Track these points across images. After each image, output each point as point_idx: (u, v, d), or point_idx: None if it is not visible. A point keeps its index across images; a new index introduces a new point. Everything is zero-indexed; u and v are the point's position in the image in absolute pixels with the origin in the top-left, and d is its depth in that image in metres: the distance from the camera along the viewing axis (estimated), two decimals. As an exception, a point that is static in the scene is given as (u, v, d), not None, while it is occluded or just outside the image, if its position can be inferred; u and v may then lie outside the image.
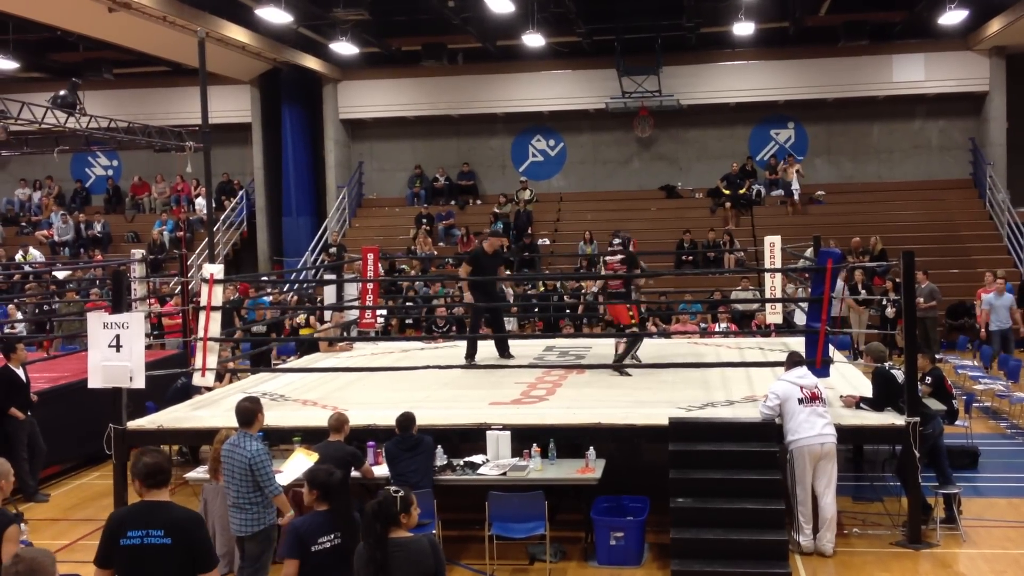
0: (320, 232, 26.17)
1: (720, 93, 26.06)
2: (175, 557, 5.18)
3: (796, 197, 25.04)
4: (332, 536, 6.10)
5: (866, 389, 10.25)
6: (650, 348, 14.11)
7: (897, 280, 17.09)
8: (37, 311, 20.51)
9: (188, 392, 12.08)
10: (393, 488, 5.65)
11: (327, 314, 17.05)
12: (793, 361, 9.70)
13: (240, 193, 27.31)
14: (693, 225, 24.20)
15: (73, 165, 29.31)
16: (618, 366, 12.16)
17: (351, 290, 16.47)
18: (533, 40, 22.87)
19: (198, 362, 11.12)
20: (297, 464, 8.80)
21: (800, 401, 9.20)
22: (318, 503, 6.23)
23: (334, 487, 6.22)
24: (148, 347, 11.94)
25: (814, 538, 9.17)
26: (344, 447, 8.95)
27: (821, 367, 10.27)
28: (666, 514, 8.99)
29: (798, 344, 11.68)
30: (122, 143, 20.33)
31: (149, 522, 5.22)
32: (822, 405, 9.27)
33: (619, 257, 12.48)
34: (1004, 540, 9.49)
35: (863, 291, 19.31)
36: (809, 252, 16.20)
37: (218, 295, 11.27)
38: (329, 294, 17.27)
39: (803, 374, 9.51)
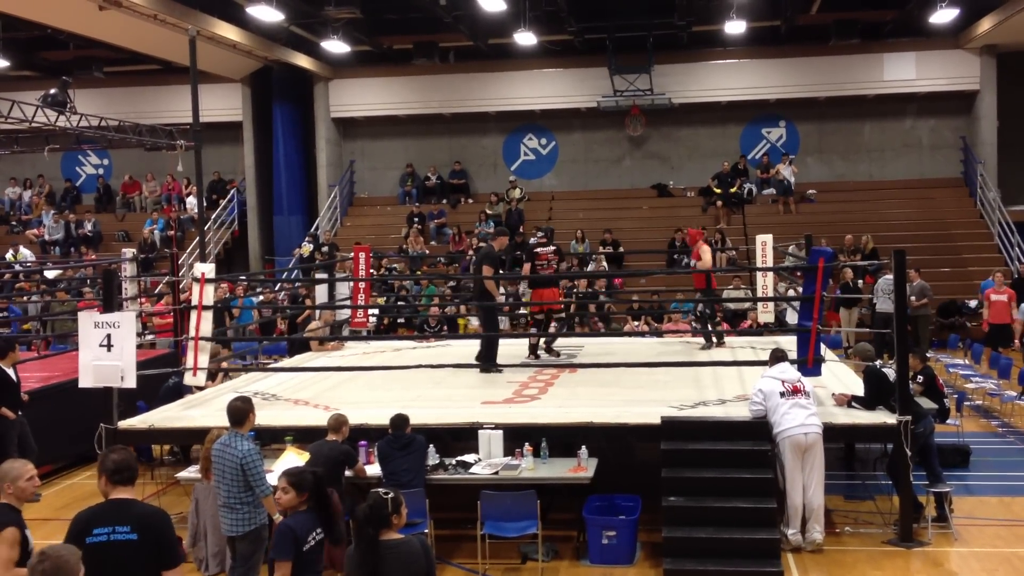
0: (312, 231, 26.11)
1: (712, 92, 26.09)
2: (141, 553, 5.16)
3: (792, 188, 25.14)
4: (318, 531, 6.11)
5: (858, 388, 10.26)
6: (642, 347, 14.13)
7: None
8: (44, 310, 20.47)
9: (179, 391, 12.05)
10: (382, 490, 5.66)
11: (317, 313, 17.01)
12: (776, 357, 9.78)
13: (231, 192, 27.25)
14: (685, 224, 24.11)
15: (63, 164, 29.23)
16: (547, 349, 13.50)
17: (343, 289, 16.45)
18: (525, 38, 22.86)
19: (189, 361, 11.09)
20: (288, 463, 8.79)
21: (782, 395, 9.26)
22: (304, 502, 6.22)
23: (316, 486, 6.22)
24: (139, 346, 11.89)
25: (803, 532, 9.19)
26: (338, 446, 8.97)
27: (813, 366, 10.29)
28: (658, 513, 8.99)
29: (790, 343, 11.68)
30: (113, 142, 20.25)
31: (116, 519, 5.22)
32: (805, 397, 9.30)
33: (551, 248, 13.51)
34: (995, 538, 9.52)
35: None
36: (792, 248, 16.25)
37: (209, 294, 11.24)
38: (320, 293, 17.24)
39: (785, 369, 9.59)
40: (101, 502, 5.44)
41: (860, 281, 20.03)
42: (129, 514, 5.24)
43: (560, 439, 9.69)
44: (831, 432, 9.33)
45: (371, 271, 16.37)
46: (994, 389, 14.88)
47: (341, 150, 28.15)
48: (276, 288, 21.58)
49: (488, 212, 25.56)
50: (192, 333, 11.04)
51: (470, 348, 14.97)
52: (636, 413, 9.92)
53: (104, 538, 5.18)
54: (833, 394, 10.29)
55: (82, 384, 9.98)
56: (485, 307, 13.17)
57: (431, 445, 9.41)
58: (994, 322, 17.59)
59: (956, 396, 13.03)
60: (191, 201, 26.03)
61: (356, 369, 12.69)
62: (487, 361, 12.54)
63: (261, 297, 20.24)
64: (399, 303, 20.65)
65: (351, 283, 15.79)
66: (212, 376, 12.34)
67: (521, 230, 24.96)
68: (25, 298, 20.41)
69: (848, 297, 18.43)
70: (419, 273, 23.26)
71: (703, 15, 23.17)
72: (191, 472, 9.69)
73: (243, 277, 23.33)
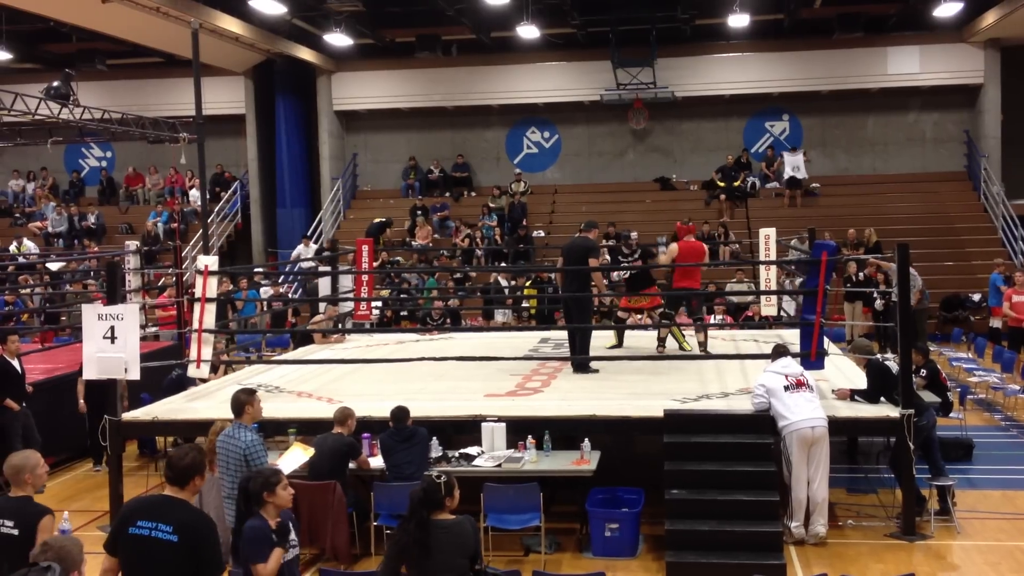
0: (315, 224, 26.14)
1: (715, 85, 26.05)
2: (179, 556, 5.13)
3: (800, 181, 25.16)
4: None
5: (861, 381, 10.26)
6: (645, 340, 14.12)
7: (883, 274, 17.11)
8: (47, 302, 20.49)
9: (183, 384, 12.07)
10: (435, 473, 5.97)
11: (321, 306, 17.03)
12: (778, 352, 9.77)
13: (234, 185, 27.26)
14: (688, 217, 24.16)
15: (67, 156, 29.28)
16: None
17: (346, 282, 16.46)
18: (527, 32, 22.84)
19: (193, 353, 11.11)
20: (293, 458, 8.84)
21: (786, 388, 9.26)
22: None
23: None
24: (143, 338, 11.92)
25: (806, 525, 9.20)
26: (341, 438, 9.02)
27: (816, 359, 10.30)
28: (661, 506, 8.99)
29: (794, 336, 11.69)
30: (116, 134, 20.30)
31: (160, 516, 5.19)
32: (809, 391, 9.31)
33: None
34: (998, 532, 9.52)
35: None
36: (794, 242, 16.23)
37: (213, 287, 11.26)
38: (324, 286, 17.25)
39: (787, 363, 9.58)
40: (156, 494, 5.47)
41: (860, 274, 19.93)
42: (175, 514, 5.21)
43: (563, 432, 9.71)
44: (834, 425, 9.31)
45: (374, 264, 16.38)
46: (997, 383, 14.88)
47: (344, 143, 28.15)
48: (281, 282, 21.61)
49: (491, 205, 25.57)
50: (196, 325, 11.06)
51: (472, 341, 15.03)
52: (639, 406, 9.92)
53: (146, 532, 5.17)
54: (834, 389, 10.28)
55: (86, 376, 10.01)
56: (582, 301, 12.33)
57: (434, 437, 9.44)
58: (1015, 325, 16.82)
59: (959, 390, 13.02)
60: (194, 194, 26.03)
61: (359, 361, 12.71)
62: (582, 360, 12.05)
63: (268, 291, 20.22)
64: (401, 296, 20.66)
65: (354, 276, 15.81)
66: (215, 368, 12.37)
67: (525, 223, 24.98)
68: (29, 290, 20.43)
69: (853, 291, 18.40)
70: (423, 265, 23.32)
71: (706, 8, 23.15)
72: (195, 464, 9.69)
73: (259, 269, 23.41)
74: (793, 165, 25.16)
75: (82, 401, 12.29)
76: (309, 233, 25.40)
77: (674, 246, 13.18)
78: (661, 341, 13.01)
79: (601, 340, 13.82)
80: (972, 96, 25.40)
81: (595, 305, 14.69)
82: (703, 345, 12.67)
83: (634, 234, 14.21)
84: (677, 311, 13.09)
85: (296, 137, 27.25)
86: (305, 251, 23.47)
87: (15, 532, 5.46)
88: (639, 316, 14.08)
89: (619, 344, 13.82)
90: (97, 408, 11.07)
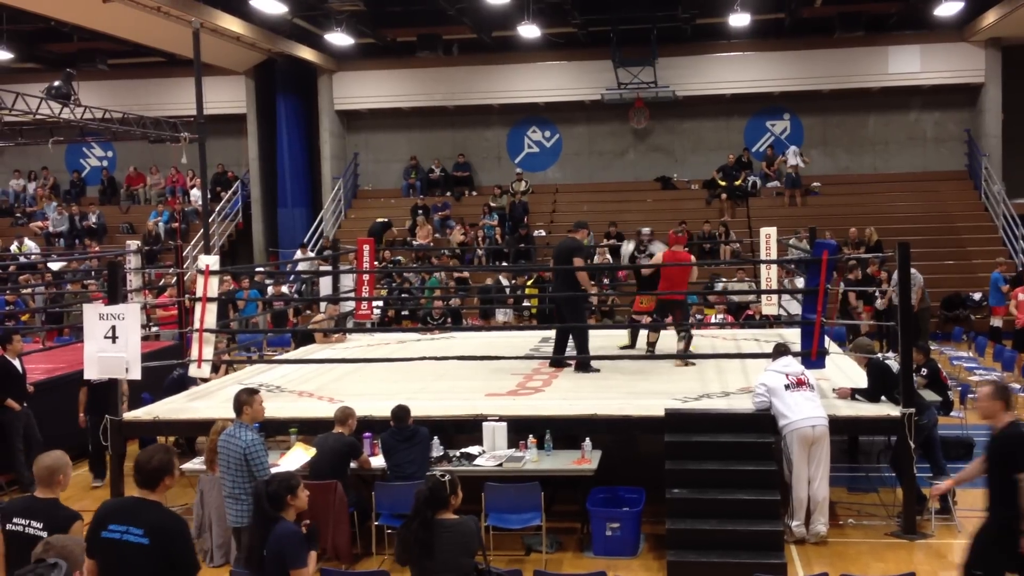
0: (316, 223, 26.15)
1: (716, 84, 26.04)
2: (152, 559, 5.11)
3: (799, 180, 25.21)
4: None
5: (862, 380, 10.27)
6: (644, 340, 14.11)
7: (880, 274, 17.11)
8: (51, 302, 20.50)
9: (184, 383, 12.08)
10: (439, 472, 5.98)
11: (322, 305, 17.05)
12: (779, 351, 9.78)
13: (235, 184, 27.28)
14: (689, 216, 24.20)
15: (68, 156, 29.30)
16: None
17: (347, 282, 16.47)
18: (528, 31, 22.85)
19: (194, 353, 11.12)
20: (295, 458, 8.87)
21: (787, 387, 9.26)
22: None
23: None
24: (144, 338, 11.91)
25: (807, 524, 9.20)
26: (342, 438, 9.03)
27: (817, 358, 10.30)
28: (662, 505, 9.00)
29: (795, 336, 11.69)
30: (117, 134, 20.30)
31: (131, 519, 5.17)
32: (809, 390, 9.32)
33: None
34: (998, 530, 9.51)
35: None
36: (793, 240, 16.20)
37: (213, 286, 11.27)
38: (325, 286, 17.25)
39: (788, 363, 9.60)
40: (127, 496, 5.45)
41: (859, 271, 19.87)
42: (144, 517, 5.19)
43: (564, 431, 9.71)
44: (835, 424, 9.32)
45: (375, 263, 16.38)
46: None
47: (345, 143, 28.16)
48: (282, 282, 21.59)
49: (492, 204, 25.57)
50: (197, 325, 11.07)
51: (473, 341, 15.03)
52: (640, 405, 9.93)
53: (118, 536, 5.15)
54: (835, 388, 10.29)
55: (87, 376, 10.02)
56: (573, 301, 12.30)
57: (435, 437, 9.44)
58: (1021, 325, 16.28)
59: (960, 389, 13.01)
60: (195, 193, 26.05)
61: (360, 361, 12.71)
62: (582, 358, 12.01)
63: (271, 291, 20.23)
64: (403, 295, 20.66)
65: (355, 275, 15.82)
66: (216, 368, 12.37)
67: (526, 223, 24.99)
68: (31, 290, 20.45)
69: (854, 290, 18.38)
70: (423, 264, 23.29)
71: (707, 8, 23.14)
72: (196, 463, 9.72)
73: (260, 269, 23.41)
74: (795, 152, 25.24)
75: (82, 415, 12.12)
76: (309, 235, 25.43)
77: (659, 255, 13.17)
78: (651, 346, 12.73)
79: (614, 340, 13.86)
80: (973, 95, 25.40)
81: (591, 304, 14.58)
82: (683, 352, 12.37)
83: (630, 232, 14.15)
84: (665, 317, 12.89)
85: (297, 137, 27.27)
86: (302, 257, 23.57)
87: (44, 535, 5.46)
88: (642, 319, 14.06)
89: (632, 345, 13.80)
90: (98, 411, 10.96)
